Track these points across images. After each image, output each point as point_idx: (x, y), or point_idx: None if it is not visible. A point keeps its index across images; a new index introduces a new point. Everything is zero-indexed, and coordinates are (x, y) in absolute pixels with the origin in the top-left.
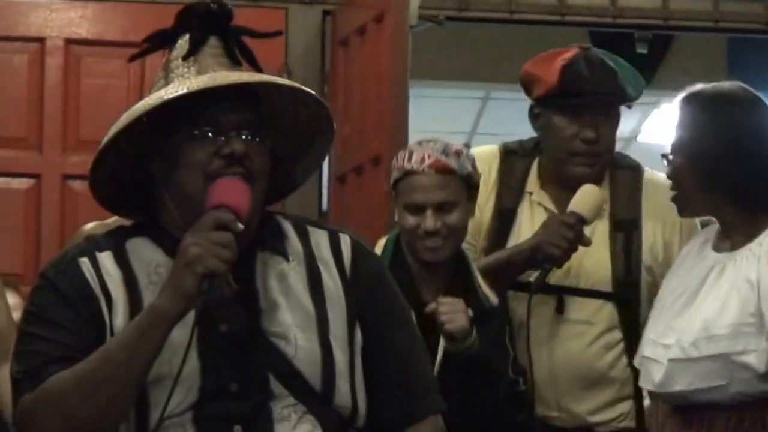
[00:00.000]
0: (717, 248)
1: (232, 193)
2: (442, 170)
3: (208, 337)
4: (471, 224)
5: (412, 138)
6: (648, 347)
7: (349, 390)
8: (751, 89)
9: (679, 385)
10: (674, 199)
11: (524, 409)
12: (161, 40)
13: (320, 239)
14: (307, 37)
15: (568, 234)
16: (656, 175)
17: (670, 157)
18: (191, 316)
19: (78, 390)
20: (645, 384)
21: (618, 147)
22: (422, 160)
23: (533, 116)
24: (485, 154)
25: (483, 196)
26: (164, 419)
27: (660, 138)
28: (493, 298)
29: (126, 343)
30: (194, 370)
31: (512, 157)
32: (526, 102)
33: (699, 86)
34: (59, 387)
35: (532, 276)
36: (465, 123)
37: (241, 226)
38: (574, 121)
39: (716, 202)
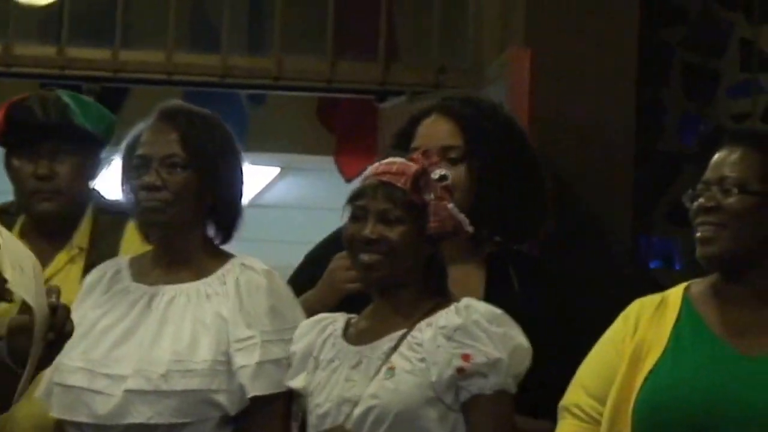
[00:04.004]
0: (144, 279)
1: None
2: None
3: None
4: None
5: None
6: (76, 376)
7: None
8: None
9: (135, 418)
10: None
11: None
12: None
13: None
14: None
15: None
16: None
17: None
18: None
19: None
20: (67, 414)
21: None
22: None
23: (4, 165)
24: None
25: None
26: None
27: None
28: None
29: None
30: None
31: (3, 216)
32: None
33: None
34: None
35: None
36: None
37: None
38: (31, 160)
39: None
